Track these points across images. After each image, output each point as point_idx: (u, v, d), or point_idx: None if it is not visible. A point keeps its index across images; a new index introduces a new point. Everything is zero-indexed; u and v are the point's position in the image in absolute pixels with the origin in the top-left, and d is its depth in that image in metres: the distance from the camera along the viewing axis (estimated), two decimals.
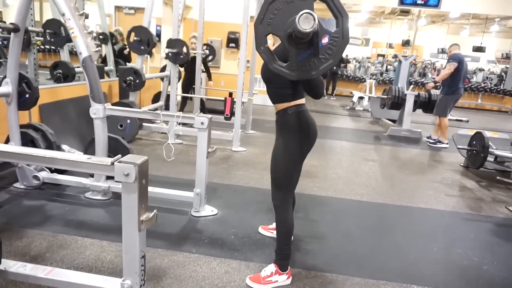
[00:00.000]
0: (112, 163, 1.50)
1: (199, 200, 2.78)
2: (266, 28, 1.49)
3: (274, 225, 2.51)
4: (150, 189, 2.82)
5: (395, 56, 7.33)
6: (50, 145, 3.06)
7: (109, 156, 2.94)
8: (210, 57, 6.39)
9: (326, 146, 5.45)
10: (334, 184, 3.77)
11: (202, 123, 2.64)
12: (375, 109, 7.70)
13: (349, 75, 12.51)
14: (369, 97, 8.60)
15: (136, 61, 4.63)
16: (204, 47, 5.72)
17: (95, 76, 2.72)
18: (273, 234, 2.53)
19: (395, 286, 2.10)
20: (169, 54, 4.64)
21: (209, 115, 2.67)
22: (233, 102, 4.69)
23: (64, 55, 4.71)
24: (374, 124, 7.73)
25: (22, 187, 2.97)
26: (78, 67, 3.97)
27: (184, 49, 4.69)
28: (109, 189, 2.88)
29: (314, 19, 1.35)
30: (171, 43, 4.65)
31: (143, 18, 4.54)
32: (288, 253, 2.03)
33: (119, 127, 4.50)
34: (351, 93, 9.73)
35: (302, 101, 1.96)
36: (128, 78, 4.51)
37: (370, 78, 11.12)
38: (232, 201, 3.12)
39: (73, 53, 5.02)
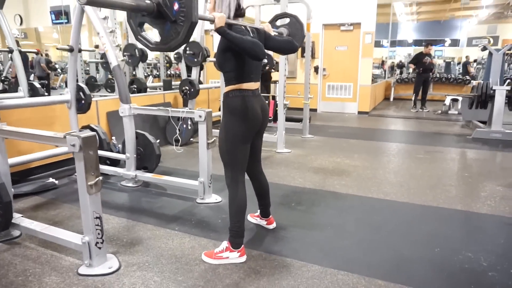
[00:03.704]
0: (65, 136, 1.88)
1: (203, 188, 3.02)
2: (135, 20, 1.72)
3: (258, 212, 2.58)
4: (166, 178, 3.21)
5: (484, 49, 6.30)
6: (101, 142, 3.73)
7: (137, 148, 3.44)
8: (267, 67, 6.62)
9: (382, 148, 5.09)
10: (363, 183, 3.55)
11: (200, 116, 2.91)
12: (465, 111, 6.75)
13: (449, 77, 11.15)
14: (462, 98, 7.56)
15: (192, 73, 5.20)
16: None
17: (123, 81, 3.26)
18: (257, 221, 2.59)
19: (354, 278, 1.95)
20: (186, 55, 4.96)
21: (208, 109, 2.92)
22: (275, 105, 4.82)
23: (139, 73, 5.59)
24: (464, 127, 6.78)
25: None
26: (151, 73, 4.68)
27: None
28: (136, 177, 3.37)
29: None
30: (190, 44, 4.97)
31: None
32: (239, 231, 2.10)
33: (177, 131, 5.11)
34: (445, 96, 8.71)
35: (247, 85, 2.05)
36: (184, 88, 5.11)
37: (476, 79, 9.72)
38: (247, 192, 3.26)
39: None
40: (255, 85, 2.12)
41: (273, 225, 2.53)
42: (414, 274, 1.99)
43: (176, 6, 1.52)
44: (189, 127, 4.97)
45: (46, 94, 4.51)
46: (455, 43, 20.16)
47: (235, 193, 2.10)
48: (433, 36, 20.14)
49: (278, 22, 3.17)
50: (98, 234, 1.99)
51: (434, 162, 4.35)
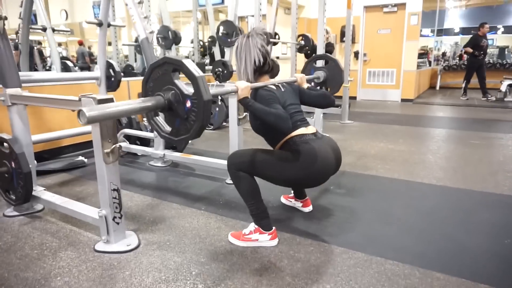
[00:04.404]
0: (80, 99, 1.71)
1: None
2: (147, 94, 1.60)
3: (292, 193, 2.33)
4: (195, 157, 3.03)
5: None
6: (130, 120, 3.62)
7: None
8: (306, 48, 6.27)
9: (429, 134, 4.63)
10: (410, 167, 3.17)
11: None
12: None
13: (504, 62, 10.18)
14: None
15: (225, 54, 4.99)
16: (299, 38, 5.67)
17: (152, 55, 3.09)
18: (291, 203, 2.34)
19: (406, 268, 1.65)
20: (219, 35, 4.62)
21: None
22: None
23: (172, 55, 5.46)
24: None
25: None
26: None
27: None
28: (165, 157, 3.21)
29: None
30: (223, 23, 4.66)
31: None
32: (260, 211, 1.83)
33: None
34: (500, 82, 7.91)
35: (296, 132, 1.80)
36: (217, 70, 4.91)
37: None
38: None
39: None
40: (310, 129, 1.85)
41: (310, 208, 2.26)
42: (480, 268, 1.65)
43: (188, 104, 1.45)
44: (224, 109, 4.77)
45: None
46: (509, 30, 18.54)
47: (237, 180, 1.82)
48: None
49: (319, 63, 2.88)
50: (116, 208, 1.83)
51: (492, 147, 3.85)
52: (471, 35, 8.24)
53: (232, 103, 2.71)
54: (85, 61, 10.39)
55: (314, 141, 1.77)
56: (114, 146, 1.74)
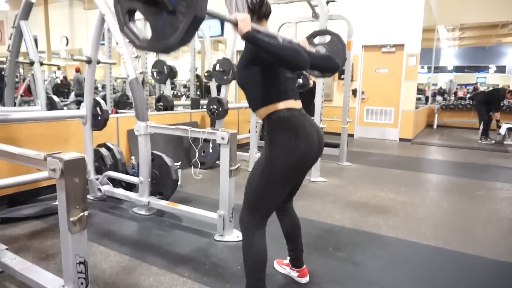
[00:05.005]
0: (45, 158, 1.49)
1: (223, 223, 2.55)
2: (124, 5, 1.26)
3: (288, 260, 2.07)
4: (182, 207, 2.79)
5: None
6: (116, 162, 3.39)
7: (153, 172, 3.05)
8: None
9: (431, 181, 4.42)
10: (414, 224, 2.94)
11: (223, 138, 2.48)
12: None
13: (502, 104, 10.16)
14: None
15: (221, 91, 4.85)
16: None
17: (140, 96, 2.92)
18: (286, 271, 2.08)
19: None
20: (215, 72, 4.53)
21: (232, 130, 2.49)
22: None
23: (166, 90, 5.32)
24: None
25: (91, 198, 3.34)
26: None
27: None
28: (149, 204, 2.96)
29: None
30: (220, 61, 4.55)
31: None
32: None
33: (202, 153, 4.73)
34: (497, 125, 7.80)
35: (282, 105, 1.60)
36: (212, 107, 4.75)
37: None
38: (272, 229, 2.75)
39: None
40: (298, 103, 1.66)
41: (307, 279, 2.01)
42: None
43: None
44: (217, 148, 4.57)
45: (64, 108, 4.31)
46: (501, 69, 18.92)
47: (250, 241, 1.61)
48: (476, 63, 19.14)
49: (316, 40, 2.72)
50: (81, 283, 1.56)
51: (499, 201, 3.64)
52: (464, 73, 8.26)
53: (224, 152, 2.50)
54: (81, 87, 10.26)
55: (299, 117, 1.61)
56: (82, 214, 1.50)
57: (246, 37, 1.41)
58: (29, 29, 3.76)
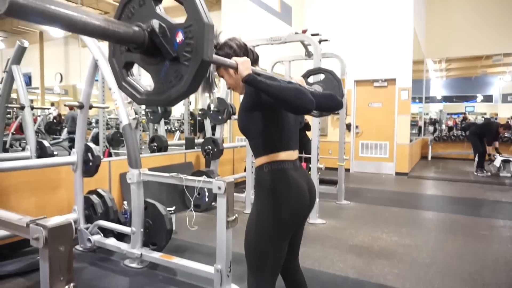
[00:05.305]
0: (27, 225, 1.37)
1: (220, 278, 2.39)
2: (120, 59, 1.17)
3: None
4: (176, 260, 2.63)
5: None
6: (107, 210, 3.24)
7: (146, 221, 2.91)
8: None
9: (433, 220, 4.32)
10: (421, 272, 2.80)
11: (220, 188, 2.37)
12: None
13: None
14: None
15: (216, 131, 4.79)
16: None
17: (134, 143, 2.83)
18: None
19: None
20: (210, 112, 4.59)
21: (229, 179, 2.39)
22: (308, 168, 4.26)
23: (160, 130, 5.26)
24: None
25: (80, 248, 3.16)
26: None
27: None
28: (142, 257, 2.79)
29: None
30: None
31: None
32: None
33: (197, 195, 4.59)
34: (493, 156, 7.82)
35: (285, 155, 1.52)
36: (207, 147, 4.67)
37: None
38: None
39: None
40: (294, 154, 1.58)
41: None
42: None
43: (179, 37, 1.01)
44: (206, 192, 4.46)
45: (56, 154, 4.20)
46: (488, 99, 19.41)
47: None
48: (464, 92, 19.67)
49: (310, 80, 2.70)
50: None
51: (504, 242, 3.53)
52: (452, 102, 8.34)
53: (221, 202, 2.39)
54: (75, 125, 10.13)
55: (292, 170, 1.52)
56: (67, 286, 1.36)
57: (247, 80, 1.35)
58: (20, 74, 3.72)
